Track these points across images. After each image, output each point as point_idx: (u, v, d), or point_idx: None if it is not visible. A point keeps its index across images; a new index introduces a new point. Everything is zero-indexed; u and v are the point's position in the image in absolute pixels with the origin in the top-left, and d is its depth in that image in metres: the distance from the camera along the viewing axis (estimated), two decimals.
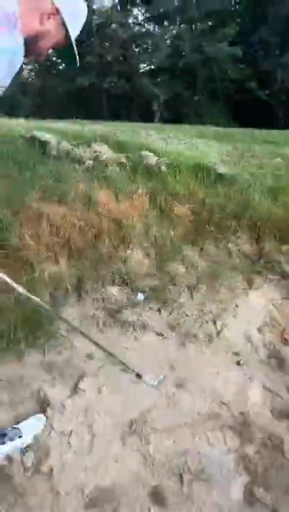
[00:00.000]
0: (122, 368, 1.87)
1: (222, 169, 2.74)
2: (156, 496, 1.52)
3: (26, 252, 1.94)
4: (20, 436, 1.57)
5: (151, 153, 2.70)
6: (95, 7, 20.63)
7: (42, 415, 1.67)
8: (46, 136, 2.44)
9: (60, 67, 22.68)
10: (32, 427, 1.63)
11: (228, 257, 2.70)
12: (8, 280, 1.57)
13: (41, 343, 1.90)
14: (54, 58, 22.65)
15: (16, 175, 2.18)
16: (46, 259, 2.01)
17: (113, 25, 20.21)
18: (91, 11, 19.87)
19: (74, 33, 1.24)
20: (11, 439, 1.55)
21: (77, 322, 2.05)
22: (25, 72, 23.47)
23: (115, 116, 17.76)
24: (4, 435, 1.55)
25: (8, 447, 1.53)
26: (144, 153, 2.68)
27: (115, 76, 19.85)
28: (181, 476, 1.58)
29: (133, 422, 1.74)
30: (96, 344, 1.86)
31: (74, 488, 1.50)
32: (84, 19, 1.27)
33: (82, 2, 1.29)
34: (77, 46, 1.26)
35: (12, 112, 18.20)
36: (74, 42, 1.27)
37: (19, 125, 2.70)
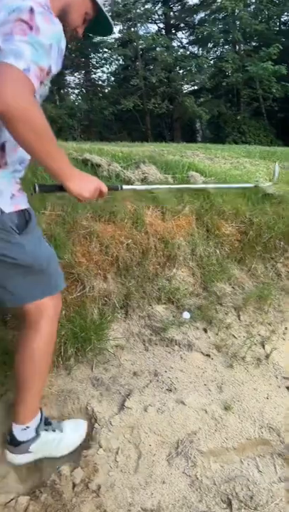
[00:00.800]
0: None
1: (270, 189, 2.71)
2: None
3: (78, 269, 2.00)
4: (61, 431, 1.61)
5: (198, 173, 2.73)
6: (141, 32, 21.39)
7: (82, 420, 1.71)
8: (97, 159, 2.53)
9: (106, 90, 23.57)
10: (74, 429, 1.67)
11: (277, 277, 2.64)
12: None
13: (89, 358, 1.94)
14: (100, 82, 23.59)
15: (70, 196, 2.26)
16: (95, 276, 2.06)
17: (158, 49, 20.80)
18: (137, 37, 20.63)
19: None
20: (53, 430, 1.59)
21: (124, 339, 2.08)
22: (72, 96, 24.57)
23: (158, 136, 18.10)
24: (49, 424, 1.60)
25: (50, 438, 1.57)
26: (191, 173, 2.72)
27: (159, 97, 20.31)
28: (230, 503, 1.54)
29: (179, 442, 1.72)
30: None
31: (120, 508, 1.50)
32: None
33: None
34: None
35: (60, 134, 19.00)
36: (102, 7, 1.35)
37: (72, 148, 2.82)
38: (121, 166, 2.62)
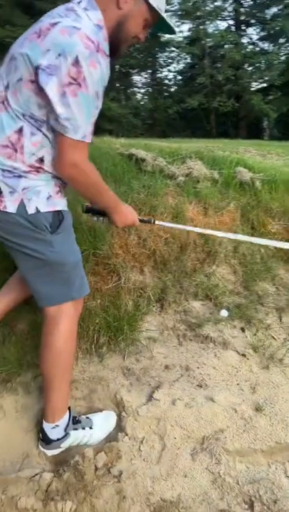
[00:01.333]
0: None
1: None
2: None
3: (115, 260, 2.05)
4: (90, 427, 1.65)
5: (246, 169, 2.66)
6: (210, 30, 21.13)
7: (112, 412, 1.74)
8: (142, 154, 2.57)
9: (172, 89, 23.56)
10: (104, 421, 1.71)
11: None
12: None
13: (122, 348, 1.98)
14: (166, 81, 23.62)
15: (113, 189, 2.31)
16: (132, 268, 2.10)
17: (226, 46, 20.44)
18: (204, 35, 20.41)
19: (155, 3, 1.34)
20: (83, 428, 1.64)
21: (158, 332, 2.10)
22: (138, 95, 24.92)
23: (223, 134, 17.78)
24: (78, 422, 1.65)
25: (80, 435, 1.62)
26: (239, 169, 2.66)
27: (225, 95, 19.96)
28: (252, 505, 1.50)
29: (205, 439, 1.70)
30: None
31: (140, 495, 1.51)
32: None
33: None
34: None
35: (124, 133, 19.29)
36: (161, 12, 1.36)
37: (119, 143, 2.89)
38: (166, 161, 2.63)
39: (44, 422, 1.61)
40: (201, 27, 20.97)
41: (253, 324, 2.20)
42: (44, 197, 1.37)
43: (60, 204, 1.44)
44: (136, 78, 24.06)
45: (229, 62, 19.41)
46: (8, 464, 1.59)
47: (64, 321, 1.53)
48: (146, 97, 24.53)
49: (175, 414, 1.77)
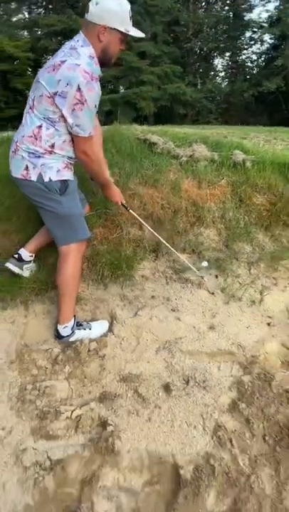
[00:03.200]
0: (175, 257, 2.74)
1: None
2: (166, 387, 2.17)
3: (119, 218, 2.79)
4: (90, 329, 2.44)
5: (242, 152, 3.22)
6: None
7: (106, 321, 2.51)
8: (155, 138, 3.23)
9: (251, 71, 22.78)
10: (99, 326, 2.48)
11: None
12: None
13: (120, 281, 2.73)
14: (245, 63, 22.76)
15: (128, 166, 3.04)
16: (132, 225, 2.83)
17: None
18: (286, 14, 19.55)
19: (123, 27, 2.00)
20: (84, 329, 2.43)
21: (150, 273, 2.82)
22: (218, 79, 24.40)
23: None
24: (81, 325, 2.44)
25: (82, 333, 2.42)
26: (235, 151, 3.22)
27: None
28: (188, 381, 2.20)
29: (167, 342, 2.41)
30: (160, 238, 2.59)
31: (115, 369, 2.27)
32: (120, 12, 1.98)
33: (114, 3, 1.96)
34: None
35: (198, 118, 19.31)
36: (127, 32, 2.02)
37: (140, 129, 3.58)
38: (175, 145, 3.28)
39: (58, 324, 2.42)
40: (282, 6, 20.04)
41: (226, 273, 2.84)
42: (55, 170, 2.13)
43: (66, 175, 2.18)
44: (216, 61, 23.68)
45: None
46: (35, 342, 2.43)
47: (72, 255, 2.30)
48: (226, 80, 23.97)
49: (150, 325, 2.50)
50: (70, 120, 1.97)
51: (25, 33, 18.44)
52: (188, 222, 2.96)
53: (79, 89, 1.90)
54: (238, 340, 2.42)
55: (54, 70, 1.94)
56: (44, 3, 19.13)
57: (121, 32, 2.03)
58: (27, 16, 20.03)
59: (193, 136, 3.46)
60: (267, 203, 3.08)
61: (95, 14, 1.96)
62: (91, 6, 1.97)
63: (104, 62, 2.05)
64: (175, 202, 2.93)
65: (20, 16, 19.76)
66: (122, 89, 16.29)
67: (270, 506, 1.68)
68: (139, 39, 14.62)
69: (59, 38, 16.27)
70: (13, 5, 19.09)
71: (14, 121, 14.08)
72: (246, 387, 2.15)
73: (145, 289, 2.74)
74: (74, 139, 2.06)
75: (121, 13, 1.99)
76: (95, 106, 2.02)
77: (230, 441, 1.92)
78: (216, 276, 2.82)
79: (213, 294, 2.72)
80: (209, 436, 1.95)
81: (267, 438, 1.94)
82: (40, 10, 20.11)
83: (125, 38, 2.07)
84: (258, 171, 3.13)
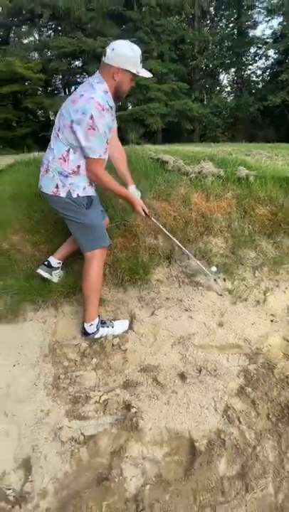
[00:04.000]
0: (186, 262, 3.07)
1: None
2: (182, 375, 2.48)
3: (136, 229, 3.14)
4: (112, 327, 2.76)
5: (245, 168, 3.56)
6: None
7: (127, 320, 2.84)
8: (167, 157, 3.59)
9: (256, 86, 23.26)
10: (121, 325, 2.80)
11: None
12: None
13: (138, 284, 3.06)
14: (250, 78, 23.29)
15: (143, 183, 3.39)
16: (148, 234, 3.17)
17: None
18: None
19: (134, 69, 2.35)
20: (108, 327, 2.76)
21: (164, 277, 3.15)
22: (224, 94, 24.93)
23: None
24: (104, 323, 2.76)
25: (105, 331, 2.74)
26: (240, 167, 3.56)
27: None
28: (200, 370, 2.50)
29: (181, 337, 2.72)
30: (176, 242, 2.92)
31: (135, 361, 2.59)
32: (133, 57, 2.33)
33: (128, 49, 2.32)
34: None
35: (205, 133, 19.67)
36: (138, 73, 2.37)
37: (153, 149, 3.95)
38: (185, 163, 3.63)
39: (84, 322, 2.75)
40: (285, 23, 20.50)
41: (233, 277, 3.15)
42: (81, 188, 2.48)
43: (90, 192, 2.53)
44: (221, 77, 24.21)
45: None
46: (65, 339, 2.75)
47: (95, 261, 2.63)
48: (232, 94, 24.39)
49: (165, 323, 2.82)
50: (82, 143, 2.31)
51: (36, 54, 19.16)
52: (198, 232, 3.28)
53: (92, 117, 2.24)
54: (244, 335, 2.73)
55: (74, 103, 2.31)
56: (54, 25, 19.87)
57: (132, 73, 2.40)
58: (37, 38, 20.81)
59: (201, 155, 3.82)
60: (269, 214, 3.40)
61: (111, 58, 2.33)
62: (108, 50, 2.34)
63: (117, 96, 2.41)
64: (186, 214, 3.27)
65: (31, 38, 20.53)
66: (130, 107, 16.81)
67: (272, 471, 1.97)
68: (147, 57, 15.23)
69: (69, 58, 16.91)
70: (24, 28, 19.89)
71: (26, 140, 14.62)
72: (252, 374, 2.46)
73: (160, 292, 3.06)
74: (86, 160, 2.39)
75: (133, 58, 2.35)
76: (105, 132, 2.34)
77: (238, 419, 2.22)
78: (224, 280, 3.13)
79: (221, 295, 3.03)
80: (220, 416, 2.25)
81: (270, 416, 2.23)
82: (50, 32, 20.89)
83: (135, 77, 2.44)
84: (260, 184, 3.46)
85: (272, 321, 2.84)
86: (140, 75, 2.42)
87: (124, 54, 2.33)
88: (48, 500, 1.93)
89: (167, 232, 2.98)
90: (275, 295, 3.03)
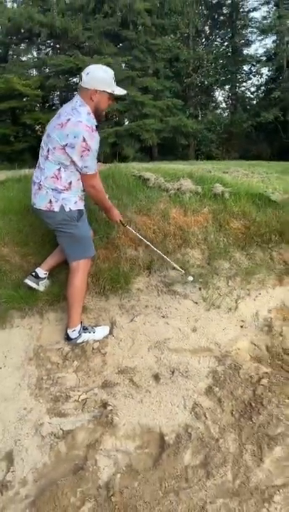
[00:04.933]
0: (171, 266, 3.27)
1: (274, 196, 3.65)
2: (156, 376, 2.69)
3: (118, 241, 3.37)
4: (94, 332, 2.98)
5: (221, 185, 3.82)
6: None
7: (108, 326, 3.05)
8: (148, 175, 3.85)
9: (249, 102, 23.77)
10: (102, 330, 3.02)
11: (270, 261, 3.58)
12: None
13: (119, 293, 3.28)
14: (243, 95, 23.79)
15: (125, 198, 3.64)
16: (129, 246, 3.40)
17: None
18: (284, 46, 20.53)
19: (110, 89, 2.63)
20: (89, 332, 2.97)
21: (144, 286, 3.37)
22: (218, 110, 25.39)
23: None
24: (86, 329, 2.97)
25: (87, 336, 2.95)
26: (216, 184, 3.82)
27: None
28: (173, 372, 2.72)
29: (157, 342, 2.94)
30: (154, 248, 3.15)
31: (114, 363, 2.80)
32: (107, 78, 2.62)
33: (101, 72, 2.61)
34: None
35: (199, 148, 20.05)
36: (113, 92, 2.65)
37: (137, 167, 4.21)
38: (165, 180, 3.89)
39: (67, 328, 2.96)
40: (278, 42, 21.02)
41: (208, 286, 3.37)
42: (73, 202, 2.73)
43: (81, 205, 2.78)
44: (216, 94, 24.77)
45: None
46: (48, 343, 2.96)
47: (80, 271, 2.86)
48: (226, 111, 24.86)
49: (143, 329, 3.03)
50: (79, 164, 2.58)
51: (35, 71, 19.67)
52: (176, 244, 3.52)
53: (84, 140, 2.51)
54: (215, 339, 2.95)
55: (62, 127, 2.56)
56: (52, 44, 20.43)
57: (108, 92, 2.66)
58: (36, 55, 21.36)
59: (181, 172, 4.08)
60: (242, 227, 3.65)
61: (87, 82, 2.60)
62: (84, 75, 2.62)
63: (97, 115, 2.66)
64: (165, 227, 3.51)
65: (30, 56, 21.08)
66: (126, 122, 17.22)
67: (232, 460, 2.17)
68: (143, 75, 15.66)
69: (66, 75, 17.37)
70: (23, 46, 20.44)
71: (24, 155, 14.90)
72: (220, 375, 2.67)
73: (140, 300, 3.28)
74: (82, 177, 2.67)
75: (108, 79, 2.63)
76: (96, 150, 2.62)
77: (205, 415, 2.42)
78: (200, 289, 3.36)
79: (196, 303, 3.25)
80: (188, 412, 2.45)
81: (234, 412, 2.44)
82: (48, 50, 21.45)
83: (112, 95, 2.70)
84: (235, 200, 3.71)
85: (242, 326, 3.07)
86: (115, 93, 2.69)
87: (99, 77, 2.61)
88: (28, 488, 2.12)
89: (142, 238, 3.22)
90: (246, 303, 3.25)
